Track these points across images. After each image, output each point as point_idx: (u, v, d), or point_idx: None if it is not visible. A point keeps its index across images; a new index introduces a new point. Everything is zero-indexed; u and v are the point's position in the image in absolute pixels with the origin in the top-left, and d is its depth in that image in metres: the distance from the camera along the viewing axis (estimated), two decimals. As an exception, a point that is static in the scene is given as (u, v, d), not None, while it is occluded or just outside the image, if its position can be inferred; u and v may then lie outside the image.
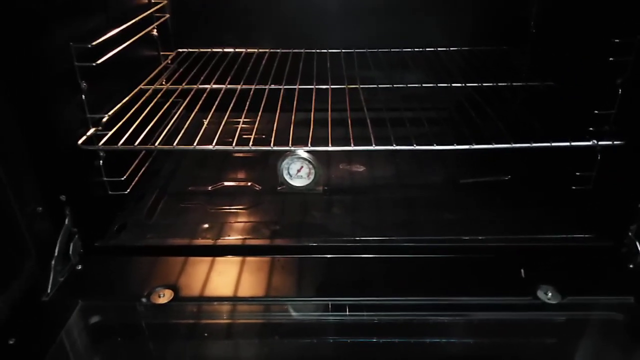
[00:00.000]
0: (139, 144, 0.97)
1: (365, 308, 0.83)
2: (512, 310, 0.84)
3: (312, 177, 1.07)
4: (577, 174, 1.00)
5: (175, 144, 0.97)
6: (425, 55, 1.35)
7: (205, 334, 0.81)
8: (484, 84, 1.20)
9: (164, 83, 1.24)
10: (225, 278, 0.89)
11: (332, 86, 1.19)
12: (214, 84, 1.21)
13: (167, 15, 1.35)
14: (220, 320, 0.83)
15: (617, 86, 0.92)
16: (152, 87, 1.18)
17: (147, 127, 1.02)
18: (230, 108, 1.09)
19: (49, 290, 0.84)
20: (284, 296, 0.86)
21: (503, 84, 1.20)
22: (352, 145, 0.96)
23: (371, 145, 0.95)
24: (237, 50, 1.37)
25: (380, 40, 1.37)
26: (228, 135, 1.00)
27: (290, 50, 1.35)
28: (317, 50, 1.35)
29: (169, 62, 1.35)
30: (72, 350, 0.76)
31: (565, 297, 0.83)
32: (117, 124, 0.99)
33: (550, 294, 0.83)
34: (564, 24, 1.16)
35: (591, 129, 0.96)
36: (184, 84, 1.22)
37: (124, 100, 1.06)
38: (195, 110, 1.10)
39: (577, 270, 0.90)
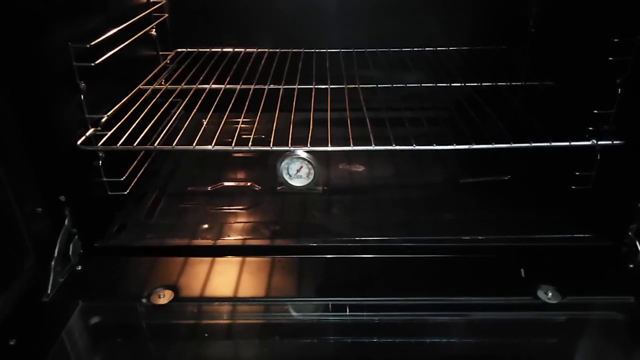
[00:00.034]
0: (138, 144, 0.96)
1: (366, 308, 0.84)
2: (512, 310, 0.84)
3: (311, 177, 1.07)
4: (577, 173, 1.00)
5: (174, 144, 0.97)
6: (424, 55, 1.35)
7: (206, 335, 0.80)
8: (484, 84, 1.20)
9: (163, 83, 1.24)
10: (225, 278, 0.89)
11: (331, 86, 1.19)
12: (213, 83, 1.21)
13: (166, 15, 1.35)
14: (220, 320, 0.83)
15: (617, 86, 0.92)
16: (151, 87, 1.18)
17: (146, 127, 1.02)
18: (229, 108, 1.09)
19: (49, 291, 0.84)
20: (284, 296, 0.86)
21: (503, 83, 1.20)
22: (351, 145, 0.96)
23: (371, 145, 0.95)
24: (236, 49, 1.37)
25: (380, 40, 1.37)
26: (227, 135, 0.99)
27: (290, 50, 1.35)
28: (317, 50, 1.35)
29: (168, 61, 1.35)
30: (73, 350, 0.76)
31: (566, 296, 0.83)
32: (116, 124, 0.99)
33: (550, 294, 0.83)
34: (563, 24, 1.16)
35: (591, 128, 0.96)
36: (183, 83, 1.22)
37: (123, 101, 1.06)
38: (195, 110, 1.10)
39: (577, 270, 0.90)
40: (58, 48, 0.86)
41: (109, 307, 0.85)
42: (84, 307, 0.83)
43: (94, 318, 0.82)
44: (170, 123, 1.16)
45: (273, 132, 1.00)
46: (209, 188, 1.16)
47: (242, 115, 1.09)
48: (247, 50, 1.37)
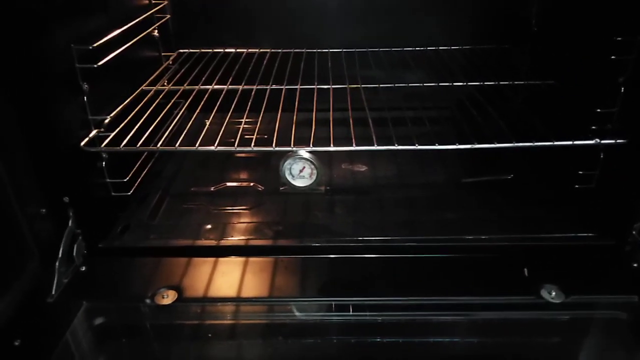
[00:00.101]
0: (141, 145, 0.97)
1: (368, 308, 0.84)
2: (515, 310, 0.84)
3: (314, 177, 1.07)
4: (580, 172, 1.00)
5: (177, 145, 0.97)
6: (426, 55, 1.35)
7: (209, 335, 0.81)
8: (486, 83, 1.20)
9: (165, 84, 1.24)
10: (228, 278, 0.89)
11: (333, 86, 1.19)
12: (216, 84, 1.21)
13: (168, 16, 1.35)
14: (224, 320, 0.83)
15: (619, 84, 0.92)
16: (154, 88, 1.18)
17: (149, 128, 1.02)
18: (232, 108, 1.09)
19: (53, 292, 0.84)
20: (287, 296, 0.86)
21: (504, 82, 1.20)
22: (354, 145, 0.96)
23: (373, 145, 0.96)
24: (238, 50, 1.37)
25: (382, 40, 1.37)
26: (230, 135, 1.00)
27: (292, 50, 1.35)
28: (318, 50, 1.35)
29: (170, 62, 1.35)
30: (77, 351, 0.77)
31: (569, 296, 0.83)
32: (119, 126, 0.99)
33: (553, 293, 0.83)
34: (565, 23, 1.16)
35: (594, 127, 0.96)
36: (185, 84, 1.22)
37: (126, 102, 1.06)
38: (197, 110, 1.10)
39: (581, 269, 0.90)
40: (59, 49, 0.86)
41: (113, 307, 0.85)
42: (88, 307, 0.83)
43: (98, 318, 0.82)
44: (173, 124, 1.16)
45: (275, 132, 1.00)
46: (212, 188, 1.17)
47: (245, 116, 1.09)
48: (249, 50, 1.37)
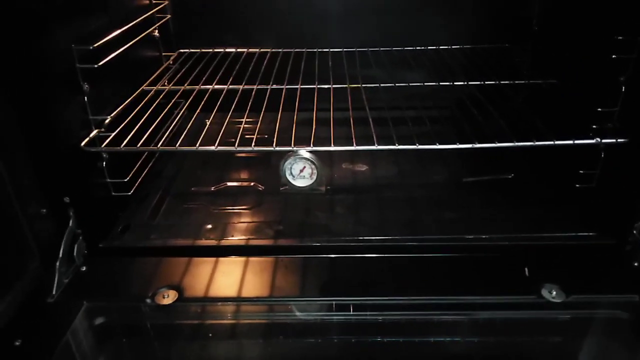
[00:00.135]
0: (141, 145, 0.97)
1: (369, 307, 0.84)
2: (516, 309, 0.83)
3: (314, 177, 1.07)
4: (581, 172, 1.00)
5: (177, 144, 0.97)
6: (427, 54, 1.35)
7: (210, 335, 0.81)
8: (486, 82, 1.19)
9: (166, 84, 1.24)
10: (229, 278, 0.89)
11: (334, 86, 1.19)
12: (216, 84, 1.21)
13: (169, 16, 1.35)
14: (224, 320, 0.83)
15: (620, 83, 0.92)
16: (154, 88, 1.18)
17: (149, 128, 1.02)
18: (232, 108, 1.09)
19: (54, 292, 0.85)
20: (288, 296, 0.86)
21: (505, 82, 1.20)
22: (354, 145, 0.96)
23: (373, 144, 0.95)
24: (238, 50, 1.37)
25: (382, 40, 1.37)
26: (230, 135, 1.00)
27: (292, 50, 1.35)
28: (319, 50, 1.35)
29: (171, 62, 1.35)
30: (78, 351, 0.77)
31: (570, 295, 0.83)
32: (119, 126, 0.99)
33: (554, 293, 0.83)
34: (566, 22, 1.15)
35: (594, 126, 0.96)
36: (186, 84, 1.22)
37: (126, 102, 1.06)
38: (198, 110, 1.10)
39: (582, 268, 0.90)
40: (59, 49, 0.86)
41: (113, 307, 0.85)
42: (89, 307, 0.83)
43: (99, 318, 0.82)
44: (174, 124, 1.16)
45: (276, 132, 1.00)
46: (213, 188, 1.17)
47: (245, 116, 1.09)
48: (250, 50, 1.37)
